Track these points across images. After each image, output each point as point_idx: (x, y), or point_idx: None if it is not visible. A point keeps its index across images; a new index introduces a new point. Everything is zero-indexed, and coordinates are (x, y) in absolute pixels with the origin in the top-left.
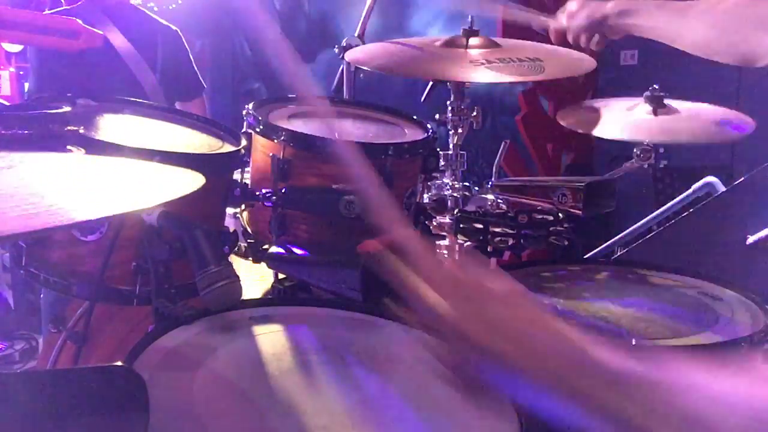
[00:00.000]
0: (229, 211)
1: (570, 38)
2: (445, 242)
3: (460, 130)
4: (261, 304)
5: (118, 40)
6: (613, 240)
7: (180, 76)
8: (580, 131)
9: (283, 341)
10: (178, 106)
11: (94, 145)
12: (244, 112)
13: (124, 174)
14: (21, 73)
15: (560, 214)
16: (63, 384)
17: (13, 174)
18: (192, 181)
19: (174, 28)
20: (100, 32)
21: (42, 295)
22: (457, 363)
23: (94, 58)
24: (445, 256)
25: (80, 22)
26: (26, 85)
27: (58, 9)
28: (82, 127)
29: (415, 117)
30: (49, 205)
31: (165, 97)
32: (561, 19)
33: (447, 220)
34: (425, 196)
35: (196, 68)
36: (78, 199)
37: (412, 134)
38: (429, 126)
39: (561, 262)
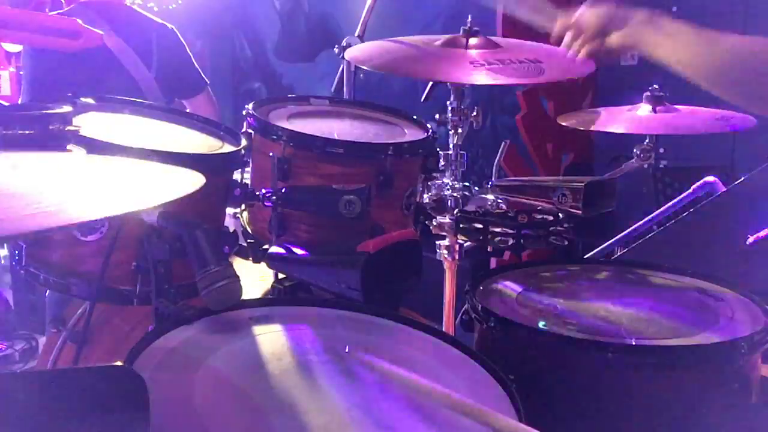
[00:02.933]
0: (229, 211)
1: (570, 34)
2: (445, 242)
3: (460, 130)
4: (261, 304)
5: (112, 41)
6: (613, 240)
7: (179, 74)
8: (581, 128)
9: (283, 341)
10: (185, 104)
11: (94, 145)
12: (244, 112)
13: (125, 174)
14: (21, 73)
15: (560, 214)
16: (63, 384)
17: (17, 174)
18: (192, 181)
19: (170, 26)
20: (100, 32)
21: (48, 293)
22: None
23: (92, 58)
24: None
25: (80, 22)
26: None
27: (55, 12)
28: (82, 127)
29: (415, 117)
30: (50, 205)
31: (163, 96)
32: (573, 14)
33: (447, 220)
34: (425, 196)
35: (196, 64)
36: (79, 199)
37: (412, 134)
38: (429, 126)
39: (561, 262)
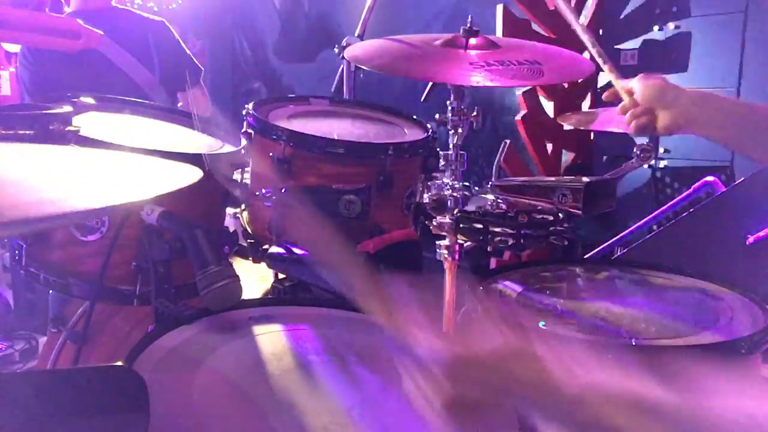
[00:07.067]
0: (229, 211)
1: (623, 104)
2: (445, 242)
3: (460, 130)
4: (261, 304)
5: (110, 48)
6: (613, 240)
7: (179, 67)
8: (581, 128)
9: (283, 341)
10: (179, 97)
11: (94, 145)
12: (244, 112)
13: (123, 167)
14: (18, 73)
15: (560, 214)
16: (63, 384)
17: (16, 165)
18: (191, 173)
19: (159, 19)
20: (100, 32)
21: (51, 293)
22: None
23: (94, 63)
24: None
25: (80, 22)
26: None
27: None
28: (82, 127)
29: (415, 117)
30: (48, 195)
31: (168, 95)
32: (632, 84)
33: (447, 220)
34: (425, 196)
35: (190, 53)
36: (78, 190)
37: (412, 134)
38: (429, 126)
39: (561, 262)
